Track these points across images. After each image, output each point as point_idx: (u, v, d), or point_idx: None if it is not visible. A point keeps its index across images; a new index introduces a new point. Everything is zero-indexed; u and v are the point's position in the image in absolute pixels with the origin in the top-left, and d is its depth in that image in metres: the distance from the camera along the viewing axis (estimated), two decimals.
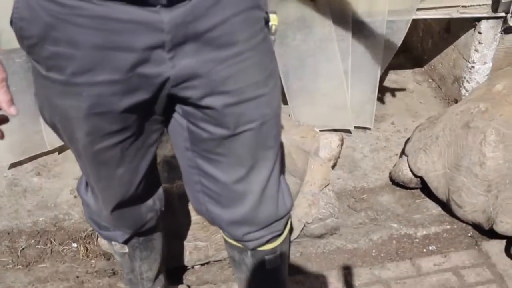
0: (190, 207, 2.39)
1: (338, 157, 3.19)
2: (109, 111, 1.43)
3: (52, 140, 3.16)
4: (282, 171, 1.88)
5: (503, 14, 3.28)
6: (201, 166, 1.67)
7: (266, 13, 1.51)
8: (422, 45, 4.20)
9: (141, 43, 1.32)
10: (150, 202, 1.90)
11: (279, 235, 1.88)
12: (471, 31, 3.44)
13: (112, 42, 1.30)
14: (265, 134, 1.61)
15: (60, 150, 3.30)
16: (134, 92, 1.41)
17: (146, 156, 1.67)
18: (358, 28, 3.16)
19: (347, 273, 2.64)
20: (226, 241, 1.96)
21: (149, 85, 1.41)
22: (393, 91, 3.83)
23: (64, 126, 1.52)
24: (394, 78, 4.03)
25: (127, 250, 2.08)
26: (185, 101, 1.51)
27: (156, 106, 1.51)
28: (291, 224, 2.14)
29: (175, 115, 1.60)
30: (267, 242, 1.86)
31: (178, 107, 1.56)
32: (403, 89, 3.91)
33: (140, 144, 1.61)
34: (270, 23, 1.52)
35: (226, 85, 1.46)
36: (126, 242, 2.03)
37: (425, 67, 4.16)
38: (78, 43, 1.30)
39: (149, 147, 1.65)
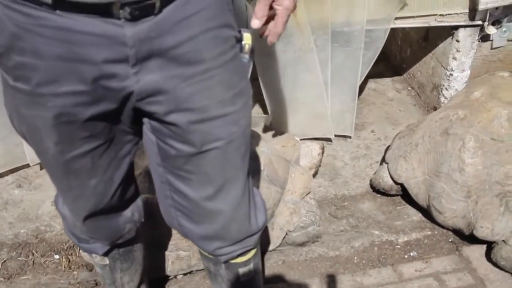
0: None
1: (319, 166, 3.21)
2: (75, 120, 1.42)
3: (34, 157, 3.16)
4: (256, 186, 1.88)
5: (480, 22, 3.31)
6: (172, 182, 1.67)
7: (239, 32, 1.51)
8: (401, 53, 4.23)
9: (104, 57, 1.31)
10: (128, 213, 1.89)
11: (251, 249, 1.89)
12: (449, 39, 3.47)
13: (76, 54, 1.30)
14: (232, 153, 1.61)
15: (41, 166, 3.29)
16: (99, 102, 1.41)
17: (121, 167, 1.67)
18: (337, 38, 3.18)
19: (329, 280, 2.64)
20: (201, 253, 1.97)
21: (113, 97, 1.41)
22: (373, 100, 3.84)
23: (32, 136, 1.51)
24: (374, 87, 4.05)
25: (107, 262, 2.07)
26: (151, 116, 1.51)
27: (123, 117, 1.51)
28: (267, 235, 2.14)
29: (146, 130, 1.60)
30: (239, 255, 1.88)
31: (147, 122, 1.57)
32: (382, 98, 3.93)
33: (113, 155, 1.61)
34: (243, 42, 1.51)
35: (191, 102, 1.46)
36: (106, 254, 2.03)
37: (404, 75, 4.19)
38: (42, 53, 1.29)
39: (123, 158, 1.65)
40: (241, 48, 1.52)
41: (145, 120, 1.56)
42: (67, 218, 1.89)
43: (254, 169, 1.81)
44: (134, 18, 1.28)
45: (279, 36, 1.58)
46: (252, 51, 1.54)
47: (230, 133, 1.56)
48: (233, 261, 1.90)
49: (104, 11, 1.25)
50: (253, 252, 1.94)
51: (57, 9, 1.23)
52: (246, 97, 1.58)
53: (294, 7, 1.54)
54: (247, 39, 1.51)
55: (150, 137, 1.60)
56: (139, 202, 1.94)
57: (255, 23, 1.52)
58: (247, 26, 1.60)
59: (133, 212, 1.92)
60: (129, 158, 1.68)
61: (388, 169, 3.01)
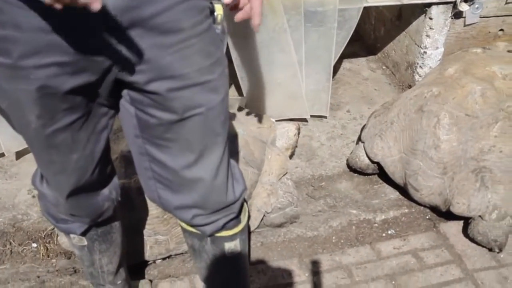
0: (150, 201, 2.40)
1: (296, 146, 3.21)
2: (56, 92, 1.43)
3: (9, 146, 3.14)
4: (235, 158, 1.88)
5: (452, 0, 3.31)
6: (151, 153, 1.68)
7: (211, 3, 1.53)
8: (375, 32, 4.24)
9: (86, 26, 1.32)
10: (106, 191, 1.90)
11: (234, 218, 1.90)
12: (422, 17, 3.48)
13: (57, 26, 1.30)
14: (212, 120, 1.63)
15: (17, 155, 3.27)
16: (81, 73, 1.42)
17: (99, 141, 1.69)
18: (310, 18, 3.17)
19: (308, 260, 2.65)
20: (184, 230, 1.97)
21: (96, 68, 1.43)
22: (348, 79, 3.85)
23: (14, 111, 1.51)
24: (349, 66, 4.06)
25: (85, 243, 2.07)
26: (131, 86, 1.53)
27: (101, 90, 1.52)
28: (249, 213, 2.15)
29: (123, 102, 1.62)
30: (224, 227, 1.88)
31: (126, 94, 1.58)
32: (357, 77, 3.94)
33: (91, 129, 1.62)
34: (215, 13, 1.54)
35: (171, 70, 1.48)
36: (84, 233, 2.02)
37: (379, 54, 4.20)
38: (22, 26, 1.29)
39: (101, 132, 1.67)
40: (214, 19, 1.55)
41: (124, 92, 1.58)
42: (47, 196, 1.88)
43: (231, 150, 1.82)
44: None
45: (261, 16, 1.58)
46: (223, 26, 1.56)
47: (210, 100, 1.58)
48: (218, 235, 1.90)
49: None
50: (240, 227, 1.94)
51: None
52: (222, 66, 1.61)
53: None
54: (218, 9, 1.54)
55: (128, 109, 1.62)
56: (116, 180, 1.95)
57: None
58: None
59: (111, 190, 1.93)
60: (106, 132, 1.70)
61: (364, 148, 3.02)
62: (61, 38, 1.32)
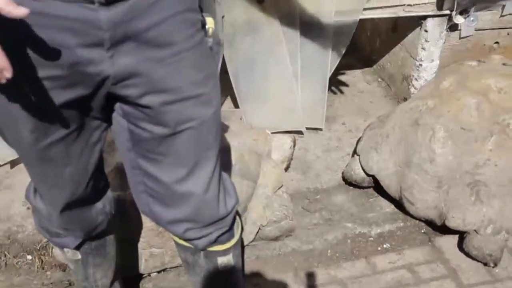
0: None
1: (291, 159, 3.21)
2: (50, 106, 1.43)
3: (4, 157, 3.13)
4: (228, 171, 1.89)
5: (448, 12, 3.32)
6: (143, 167, 1.68)
7: (202, 16, 1.55)
8: (371, 44, 4.24)
9: (79, 41, 1.33)
10: (99, 204, 1.91)
11: (227, 231, 1.90)
12: (418, 29, 3.48)
13: (51, 39, 1.31)
14: (205, 133, 1.63)
15: (12, 164, 3.26)
16: (74, 87, 1.43)
17: (93, 154, 1.69)
18: (306, 30, 3.17)
19: (303, 274, 2.65)
20: (178, 244, 1.97)
21: (89, 82, 1.43)
22: (343, 92, 3.86)
23: (7, 125, 1.51)
24: (344, 79, 4.05)
25: (79, 257, 2.07)
26: (124, 100, 1.53)
27: (93, 103, 1.52)
28: (242, 227, 2.14)
29: (116, 116, 1.62)
30: (217, 241, 1.88)
31: (118, 108, 1.59)
32: (353, 89, 3.94)
33: (84, 142, 1.63)
34: (206, 26, 1.56)
35: (164, 83, 1.49)
36: (78, 247, 2.02)
37: (374, 66, 4.20)
38: (13, 39, 1.29)
39: (94, 145, 1.67)
40: (205, 32, 1.57)
41: (117, 105, 1.58)
42: (40, 210, 1.88)
43: (225, 163, 1.81)
44: (108, 2, 1.30)
45: None
46: (218, 41, 1.57)
47: (202, 113, 1.59)
48: (211, 249, 1.90)
49: None
50: (233, 241, 1.94)
51: None
52: (215, 79, 1.63)
53: None
54: (210, 23, 1.57)
55: (121, 123, 1.62)
56: (109, 194, 1.96)
57: None
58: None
59: (105, 204, 1.94)
60: (99, 145, 1.70)
61: (360, 161, 3.01)
62: (52, 52, 1.33)
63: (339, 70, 3.87)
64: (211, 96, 1.60)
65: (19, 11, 1.14)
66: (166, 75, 1.48)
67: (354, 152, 3.19)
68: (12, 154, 3.14)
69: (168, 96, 1.51)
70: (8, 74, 1.21)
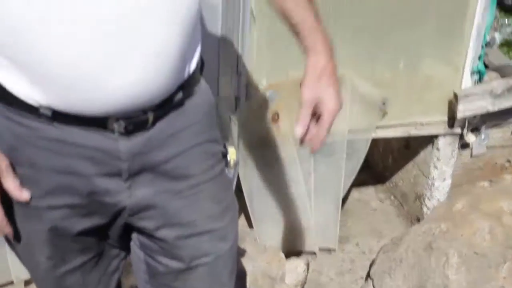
0: None
1: (305, 282, 3.18)
2: (68, 233, 1.42)
3: (19, 274, 3.12)
4: None
5: (459, 131, 3.34)
6: None
7: (224, 146, 1.54)
8: (383, 161, 4.25)
9: (97, 170, 1.33)
10: None
11: None
12: (430, 147, 3.50)
13: (70, 167, 1.31)
14: (220, 269, 1.61)
15: (26, 284, 3.24)
16: (91, 215, 1.42)
17: (111, 283, 1.66)
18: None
19: None
20: None
21: (105, 212, 1.42)
22: (356, 210, 3.86)
23: (24, 250, 1.50)
24: (357, 196, 4.06)
25: None
26: (141, 231, 1.52)
27: (111, 232, 1.51)
28: None
29: (134, 246, 1.60)
30: None
31: (136, 239, 1.57)
32: (366, 208, 3.94)
33: (102, 271, 1.60)
34: (228, 157, 1.54)
35: (180, 217, 1.47)
36: None
37: (387, 183, 4.20)
38: (38, 165, 1.30)
39: (112, 274, 1.65)
40: (227, 163, 1.54)
41: (134, 236, 1.57)
42: None
43: None
44: (128, 132, 1.31)
45: (323, 143, 1.53)
46: (235, 165, 1.56)
47: (218, 248, 1.56)
48: None
49: (100, 125, 1.28)
50: None
51: (55, 121, 1.25)
52: (233, 211, 1.60)
53: (340, 107, 1.50)
54: (232, 154, 1.55)
55: (138, 254, 1.60)
56: None
57: (299, 130, 1.49)
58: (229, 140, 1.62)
59: None
60: (117, 274, 1.68)
61: (373, 286, 2.99)
62: (72, 180, 1.33)
63: (352, 186, 3.88)
64: (227, 230, 1.57)
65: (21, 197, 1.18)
66: (182, 208, 1.46)
67: (368, 275, 3.17)
68: (28, 272, 3.12)
69: (183, 230, 1.49)
70: (6, 229, 1.23)
